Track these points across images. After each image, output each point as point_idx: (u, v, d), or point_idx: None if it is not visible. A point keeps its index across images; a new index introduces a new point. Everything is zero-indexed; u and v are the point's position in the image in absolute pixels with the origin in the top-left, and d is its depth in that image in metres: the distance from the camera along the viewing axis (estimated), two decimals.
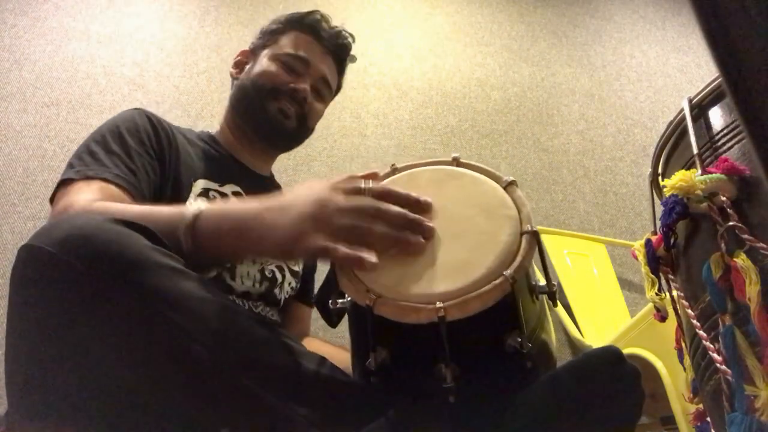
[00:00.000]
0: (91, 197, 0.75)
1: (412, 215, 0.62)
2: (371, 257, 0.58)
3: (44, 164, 1.79)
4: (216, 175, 0.97)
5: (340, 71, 1.16)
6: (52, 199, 0.83)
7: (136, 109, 0.96)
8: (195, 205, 0.67)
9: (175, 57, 2.21)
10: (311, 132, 1.13)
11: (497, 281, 0.57)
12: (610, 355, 0.63)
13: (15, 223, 1.65)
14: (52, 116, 1.91)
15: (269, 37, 1.10)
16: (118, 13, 2.26)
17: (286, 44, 1.07)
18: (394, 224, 0.61)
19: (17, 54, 2.02)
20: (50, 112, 1.92)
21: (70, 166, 0.84)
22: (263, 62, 1.06)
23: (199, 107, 2.09)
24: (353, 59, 1.18)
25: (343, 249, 0.58)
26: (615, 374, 0.61)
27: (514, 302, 0.58)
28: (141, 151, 0.88)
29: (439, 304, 0.55)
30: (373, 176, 0.68)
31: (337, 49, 1.12)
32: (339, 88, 1.20)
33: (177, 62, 2.20)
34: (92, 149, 0.85)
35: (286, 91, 1.03)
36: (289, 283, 1.01)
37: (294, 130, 1.05)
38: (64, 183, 0.81)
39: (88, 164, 0.82)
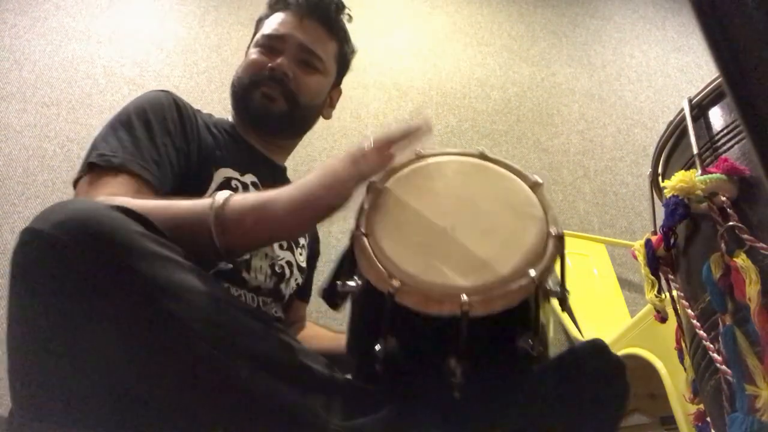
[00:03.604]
0: (114, 191, 0.75)
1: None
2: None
3: (44, 164, 1.79)
4: (237, 163, 0.96)
5: (331, 32, 1.06)
6: (75, 183, 0.82)
7: (163, 91, 0.95)
8: (221, 194, 0.69)
9: (175, 57, 2.21)
10: (314, 110, 1.06)
11: (523, 282, 0.56)
12: (595, 348, 0.63)
13: (15, 223, 1.65)
14: (52, 116, 1.91)
15: (255, 30, 1.10)
16: (118, 13, 2.26)
17: (264, 28, 1.05)
18: None
19: (17, 54, 2.02)
20: (50, 112, 1.92)
21: (95, 147, 0.82)
22: (248, 54, 1.05)
23: (199, 107, 2.08)
24: (348, 16, 1.09)
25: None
26: (600, 365, 0.62)
27: (535, 304, 0.58)
28: (166, 140, 0.87)
29: (464, 298, 0.54)
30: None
31: (312, 9, 1.03)
32: (343, 54, 1.10)
33: (177, 62, 2.20)
34: (119, 133, 0.84)
35: (266, 74, 0.98)
36: (296, 279, 1.01)
37: (285, 111, 0.99)
38: (90, 168, 0.80)
39: (114, 150, 0.81)
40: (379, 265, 0.59)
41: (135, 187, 0.78)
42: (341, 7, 1.07)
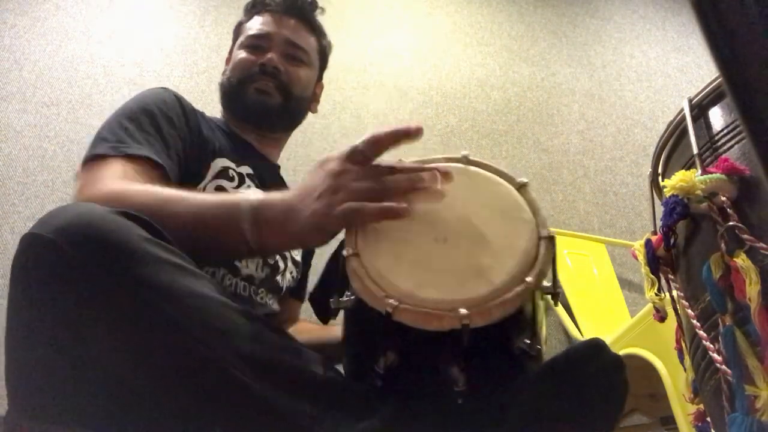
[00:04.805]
0: (129, 178, 0.74)
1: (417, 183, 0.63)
2: (401, 204, 0.60)
3: (44, 164, 1.79)
4: (234, 154, 0.99)
5: (310, 28, 1.13)
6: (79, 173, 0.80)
7: (163, 88, 0.97)
8: (252, 194, 0.67)
9: (175, 57, 2.21)
10: (305, 102, 1.11)
11: (519, 288, 0.56)
12: (594, 347, 0.63)
13: (15, 223, 1.65)
14: (52, 116, 1.91)
15: (235, 34, 1.14)
16: (118, 13, 2.26)
17: (247, 30, 1.10)
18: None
19: (17, 54, 2.02)
20: (50, 112, 1.92)
21: (103, 139, 0.81)
22: (234, 56, 1.09)
23: (199, 107, 2.06)
24: (320, 10, 1.15)
25: (370, 204, 0.60)
26: (599, 364, 0.61)
27: (532, 307, 0.57)
28: (172, 131, 0.88)
29: (462, 311, 0.54)
30: (393, 137, 0.65)
31: (290, 7, 1.10)
32: (323, 48, 1.16)
33: (177, 62, 2.20)
34: (126, 125, 0.83)
35: (257, 71, 1.03)
36: (291, 272, 1.02)
37: (280, 104, 1.04)
38: (97, 158, 0.78)
39: (123, 140, 0.80)
40: (374, 286, 0.58)
41: (149, 175, 0.77)
42: (315, 4, 1.15)
